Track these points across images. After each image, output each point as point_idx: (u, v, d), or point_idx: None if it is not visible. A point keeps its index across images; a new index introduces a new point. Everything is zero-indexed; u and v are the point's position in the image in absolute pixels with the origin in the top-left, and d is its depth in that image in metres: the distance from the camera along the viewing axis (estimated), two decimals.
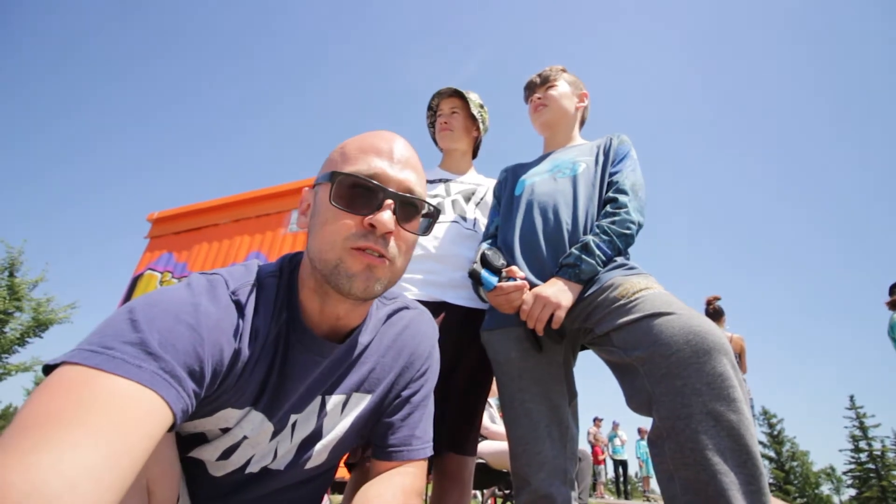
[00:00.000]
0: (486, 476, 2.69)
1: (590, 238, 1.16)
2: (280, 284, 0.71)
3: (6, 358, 11.88)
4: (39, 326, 12.15)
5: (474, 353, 1.35)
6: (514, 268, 1.17)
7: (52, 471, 0.39)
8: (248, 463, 0.72)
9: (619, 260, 1.18)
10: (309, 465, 0.77)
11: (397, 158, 0.68)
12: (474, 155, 1.77)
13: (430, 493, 1.44)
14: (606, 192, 1.27)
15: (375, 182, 0.65)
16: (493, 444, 2.74)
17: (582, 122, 1.56)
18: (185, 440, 0.69)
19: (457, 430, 1.35)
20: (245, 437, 0.69)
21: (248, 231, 5.13)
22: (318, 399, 0.75)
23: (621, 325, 1.04)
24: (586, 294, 1.14)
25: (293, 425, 0.74)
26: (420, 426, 0.82)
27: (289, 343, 0.69)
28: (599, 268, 1.14)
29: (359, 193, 0.65)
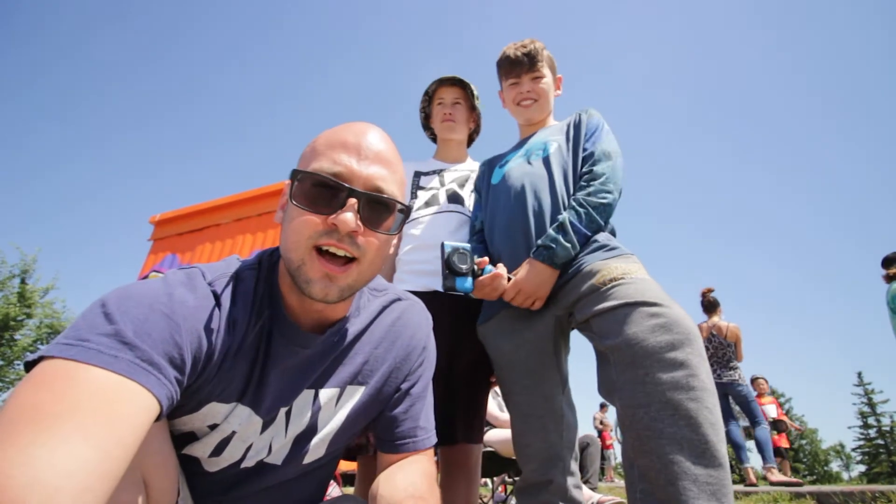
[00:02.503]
0: (496, 464, 2.71)
1: (566, 216, 1.14)
2: (259, 277, 0.70)
3: (18, 364, 12.00)
4: (51, 332, 12.26)
5: (473, 342, 1.35)
6: (481, 259, 1.17)
7: (49, 464, 0.40)
8: (243, 458, 0.71)
9: (601, 239, 1.15)
10: (307, 459, 0.77)
11: (366, 153, 0.65)
12: (469, 144, 1.76)
13: (438, 482, 1.45)
14: (582, 166, 1.25)
15: (336, 180, 0.62)
16: (502, 431, 2.76)
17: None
18: (176, 439, 0.68)
19: (461, 418, 1.36)
20: (234, 432, 0.69)
21: (250, 230, 5.14)
22: (311, 393, 0.74)
23: (597, 312, 1.04)
24: (568, 280, 1.14)
25: (287, 419, 0.73)
26: (422, 416, 0.83)
27: (271, 335, 0.68)
28: (574, 250, 1.13)
29: (321, 192, 0.62)
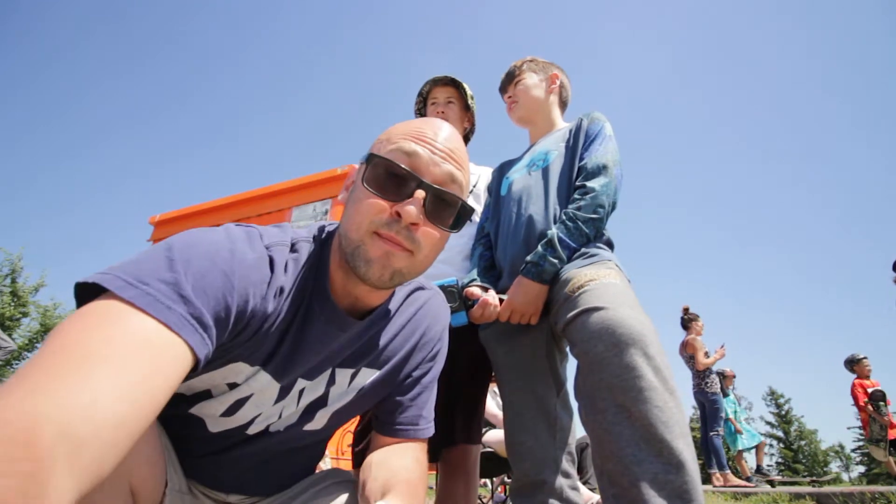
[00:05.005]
0: (495, 464, 2.71)
1: (554, 231, 1.16)
2: (312, 251, 0.71)
3: (16, 364, 12.00)
4: (48, 332, 12.27)
5: (473, 342, 1.35)
6: (468, 290, 1.22)
7: (82, 415, 0.40)
8: (251, 422, 0.71)
9: (584, 248, 1.17)
10: (307, 426, 0.77)
11: (440, 148, 0.66)
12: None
13: (436, 483, 1.45)
14: (576, 177, 1.26)
15: (408, 170, 0.63)
16: (501, 432, 2.76)
17: (564, 105, 1.54)
18: (188, 399, 0.68)
19: (460, 419, 1.36)
20: (252, 394, 0.69)
21: None
22: (329, 371, 0.75)
23: (567, 320, 1.05)
24: (553, 291, 1.16)
25: (300, 391, 0.73)
26: (427, 406, 0.84)
27: (311, 311, 0.69)
28: (562, 264, 1.15)
29: (392, 179, 0.64)
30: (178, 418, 0.69)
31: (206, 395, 0.68)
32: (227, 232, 0.61)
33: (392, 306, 0.80)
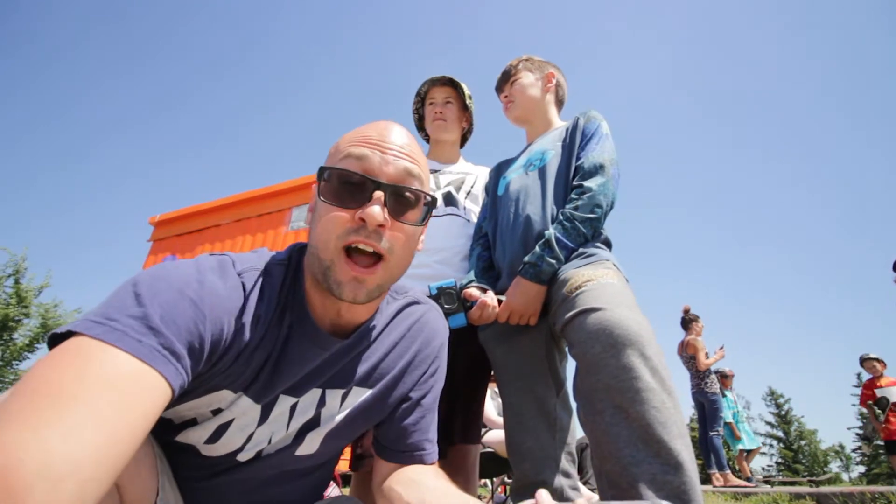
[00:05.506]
0: (495, 464, 2.71)
1: (552, 231, 1.16)
2: (287, 274, 0.70)
3: (17, 364, 11.98)
4: (48, 332, 12.22)
5: (472, 343, 1.36)
6: (466, 291, 1.21)
7: (60, 451, 0.40)
8: (241, 448, 0.70)
9: (583, 248, 1.17)
10: (300, 451, 0.76)
11: (390, 147, 0.66)
12: (462, 145, 1.75)
13: None
14: (573, 176, 1.25)
15: (361, 174, 0.64)
16: (501, 432, 2.76)
17: (560, 104, 1.53)
18: (175, 426, 0.68)
19: (460, 419, 1.36)
20: (233, 419, 0.68)
21: (249, 230, 5.15)
22: (318, 391, 0.74)
23: (565, 321, 1.04)
24: (551, 291, 1.16)
25: (290, 414, 0.72)
26: (431, 429, 0.82)
27: (290, 333, 0.68)
28: (560, 265, 1.14)
29: (347, 187, 0.64)
30: (170, 445, 0.69)
31: (192, 422, 0.68)
32: (196, 264, 0.61)
33: (381, 321, 0.78)
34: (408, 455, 0.79)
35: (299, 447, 0.75)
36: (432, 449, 0.81)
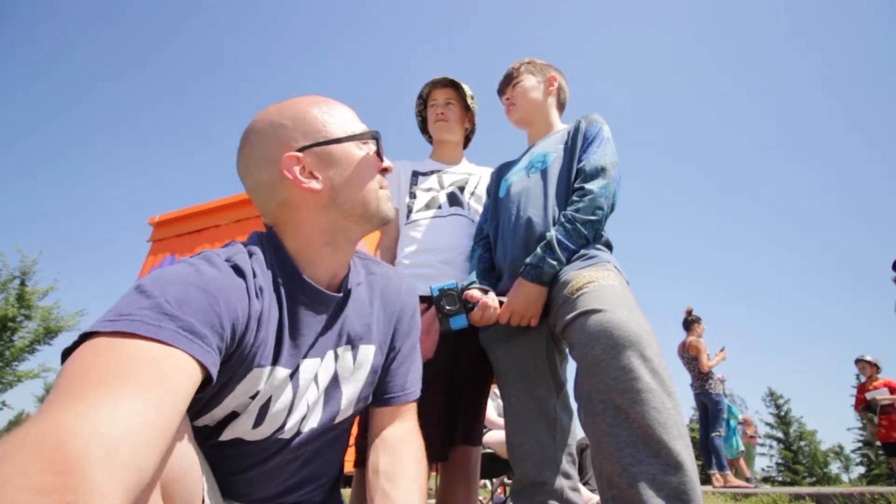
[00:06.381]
0: (495, 465, 2.71)
1: (553, 233, 1.16)
2: (265, 250, 0.75)
3: (16, 366, 11.96)
4: (48, 334, 12.21)
5: (474, 344, 1.36)
6: (468, 293, 1.22)
7: (111, 420, 0.42)
8: (283, 425, 0.73)
9: (584, 250, 1.18)
10: (335, 416, 0.81)
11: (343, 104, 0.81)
12: (465, 146, 1.76)
13: (437, 484, 1.46)
14: (575, 179, 1.26)
15: (377, 133, 0.80)
16: (501, 433, 2.77)
17: (562, 107, 1.54)
18: (219, 423, 0.70)
19: (462, 420, 1.36)
20: (270, 396, 0.71)
21: (249, 231, 5.14)
22: (332, 353, 0.79)
23: (566, 322, 1.05)
24: (552, 293, 1.17)
25: (315, 379, 0.77)
26: (410, 373, 0.91)
27: (294, 297, 0.74)
28: (561, 266, 1.15)
29: (371, 146, 0.80)
30: (215, 446, 0.70)
31: (233, 415, 0.70)
32: (188, 261, 0.65)
33: (364, 281, 0.88)
34: (394, 398, 0.87)
35: (332, 412, 0.80)
36: (412, 388, 0.90)
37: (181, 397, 0.50)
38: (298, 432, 0.76)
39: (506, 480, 3.29)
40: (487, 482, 4.07)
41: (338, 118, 0.78)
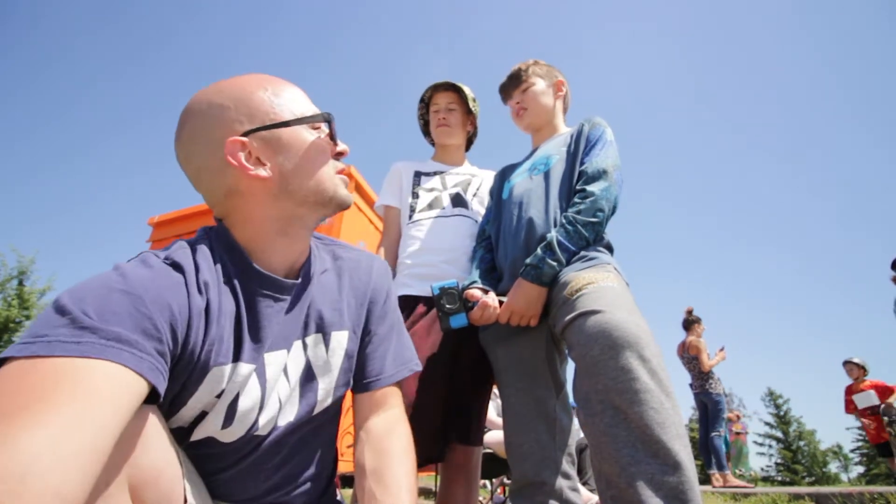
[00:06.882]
0: (495, 465, 2.71)
1: (553, 234, 1.17)
2: (212, 243, 0.70)
3: None
4: None
5: (474, 345, 1.36)
6: (468, 292, 1.22)
7: (18, 450, 0.40)
8: (256, 422, 0.70)
9: (584, 252, 1.18)
10: (311, 408, 0.77)
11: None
12: (467, 148, 1.76)
13: (438, 484, 1.46)
14: (577, 182, 1.26)
15: (329, 115, 0.75)
16: (500, 433, 2.76)
17: (564, 110, 1.55)
18: (190, 425, 0.67)
19: (462, 421, 1.36)
20: (238, 394, 0.68)
21: None
22: (299, 343, 0.76)
23: (565, 323, 1.06)
24: (552, 294, 1.17)
25: (285, 371, 0.74)
26: (388, 356, 0.86)
27: (248, 287, 0.69)
28: (561, 267, 1.15)
29: (323, 129, 0.75)
30: (190, 447, 0.68)
31: (202, 416, 0.67)
32: (114, 266, 0.61)
33: (330, 265, 0.84)
34: (371, 382, 0.84)
35: (309, 403, 0.77)
36: (391, 372, 0.86)
37: (113, 409, 0.47)
38: (275, 427, 0.73)
39: (505, 480, 3.29)
40: (487, 482, 4.07)
41: (286, 99, 0.72)
